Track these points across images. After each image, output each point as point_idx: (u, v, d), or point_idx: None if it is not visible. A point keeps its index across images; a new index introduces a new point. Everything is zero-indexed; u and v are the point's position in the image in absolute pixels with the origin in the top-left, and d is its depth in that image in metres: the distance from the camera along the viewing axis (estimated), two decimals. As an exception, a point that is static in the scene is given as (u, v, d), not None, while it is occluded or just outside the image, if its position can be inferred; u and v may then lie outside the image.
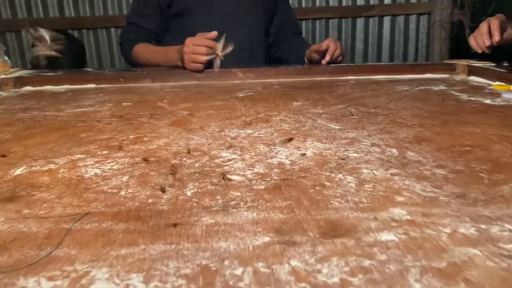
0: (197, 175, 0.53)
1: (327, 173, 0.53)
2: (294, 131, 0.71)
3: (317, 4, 2.25)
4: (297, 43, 1.49)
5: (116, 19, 2.16)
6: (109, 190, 0.49)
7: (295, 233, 0.39)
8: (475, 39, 1.22)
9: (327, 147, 0.63)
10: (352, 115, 0.81)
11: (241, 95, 1.03)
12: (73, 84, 1.19)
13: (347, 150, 0.62)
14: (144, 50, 1.35)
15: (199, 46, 1.17)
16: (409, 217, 0.42)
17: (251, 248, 0.37)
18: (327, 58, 1.25)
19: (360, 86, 1.12)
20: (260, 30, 1.46)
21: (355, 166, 0.55)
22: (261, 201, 0.45)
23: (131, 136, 0.70)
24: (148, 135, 0.71)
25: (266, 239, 0.38)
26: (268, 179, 0.51)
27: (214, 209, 0.43)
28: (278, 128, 0.74)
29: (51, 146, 0.66)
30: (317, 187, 0.49)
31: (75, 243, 0.38)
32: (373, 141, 0.65)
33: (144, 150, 0.63)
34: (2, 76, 1.16)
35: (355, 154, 0.60)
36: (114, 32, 2.18)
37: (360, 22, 2.29)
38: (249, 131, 0.72)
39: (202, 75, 1.22)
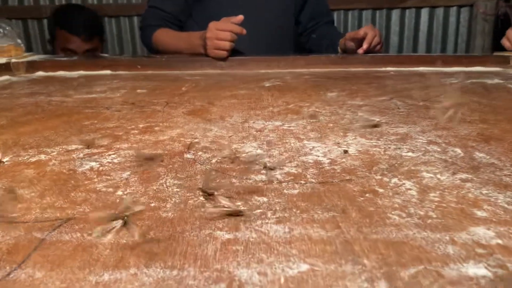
0: (214, 173, 0.43)
1: (378, 176, 0.42)
2: (331, 125, 0.60)
3: (350, -6, 2.11)
4: (330, 33, 1.37)
5: (139, 7, 2.08)
6: (103, 189, 0.39)
7: (344, 259, 0.28)
8: (509, 39, 1.10)
9: (374, 143, 0.52)
10: (399, 108, 0.69)
11: (267, 85, 0.92)
12: (87, 70, 1.11)
13: (399, 148, 0.50)
14: (165, 35, 1.25)
15: (224, 31, 1.07)
16: (499, 241, 0.30)
17: (282, 280, 0.26)
18: (365, 46, 1.13)
19: (403, 77, 1.00)
20: (288, 17, 1.34)
21: (412, 168, 0.44)
22: (294, 210, 0.35)
23: (141, 125, 0.61)
24: (161, 124, 0.61)
25: (304, 267, 0.27)
26: (303, 182, 0.40)
27: (232, 220, 0.33)
28: (311, 120, 0.63)
29: (47, 133, 0.57)
30: (367, 195, 0.38)
31: (45, 262, 0.28)
32: (429, 138, 0.54)
33: (153, 142, 0.54)
34: (14, 60, 1.09)
35: (410, 154, 0.48)
36: (137, 20, 2.11)
37: (395, 13, 2.14)
38: (277, 123, 0.61)
39: (226, 63, 1.12)
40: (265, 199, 0.37)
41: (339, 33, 1.38)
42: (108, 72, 1.10)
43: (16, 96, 0.82)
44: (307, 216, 0.34)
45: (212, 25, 1.09)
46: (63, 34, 1.58)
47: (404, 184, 0.40)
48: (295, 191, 0.38)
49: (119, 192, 0.39)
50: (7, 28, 1.14)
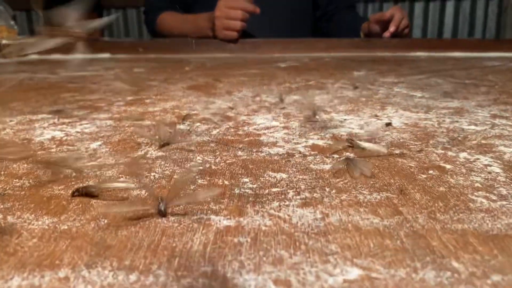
0: (212, 145, 0.32)
1: (440, 150, 0.30)
2: (363, 99, 0.49)
3: (370, -15, 2.00)
4: (351, 17, 1.25)
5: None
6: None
7: (419, 261, 0.16)
8: None
9: (423, 117, 0.40)
10: (442, 85, 0.58)
11: (283, 65, 0.81)
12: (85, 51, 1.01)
13: (457, 122, 0.38)
14: (170, 18, 1.15)
15: (235, 9, 0.96)
16: None
17: (319, 296, 0.15)
18: (391, 29, 1.01)
19: (437, 61, 0.88)
20: (307, 4, 1.23)
21: (483, 142, 0.32)
22: (327, 190, 0.23)
23: (129, 98, 0.50)
24: (153, 97, 0.50)
25: (354, 272, 0.16)
26: (337, 156, 0.29)
27: (235, 202, 0.22)
28: (338, 95, 0.51)
29: (15, 104, 0.47)
30: (430, 171, 0.26)
31: None
32: (491, 112, 0.42)
33: (140, 112, 0.43)
34: (4, 42, 1.00)
35: (473, 127, 0.36)
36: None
37: (418, 6, 2.02)
38: (296, 97, 0.50)
39: (236, 46, 1.01)
40: (283, 175, 0.26)
41: (361, 17, 1.26)
42: (107, 55, 1.00)
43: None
44: (347, 198, 0.22)
45: (222, 2, 0.99)
46: (59, 12, 1.53)
47: (479, 159, 0.28)
48: (326, 166, 0.27)
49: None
50: (0, 9, 1.05)
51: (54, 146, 0.32)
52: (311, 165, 0.27)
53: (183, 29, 1.13)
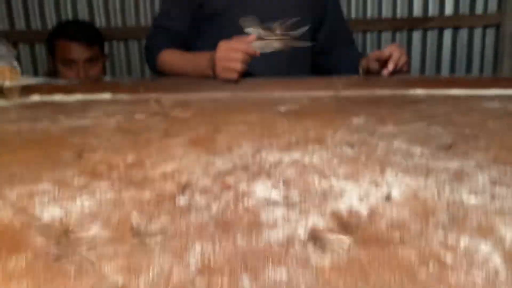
0: (211, 229, 0.32)
1: (440, 233, 0.30)
2: (363, 157, 0.49)
3: (369, 14, 2.03)
4: (350, 53, 1.27)
5: (148, 30, 2.02)
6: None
7: None
8: None
9: (422, 184, 0.40)
10: (442, 136, 0.58)
11: (283, 109, 0.81)
12: (86, 93, 1.02)
13: (456, 191, 0.38)
14: (170, 57, 1.17)
15: (235, 51, 0.98)
16: None
17: None
18: (390, 68, 1.02)
19: (436, 101, 0.88)
20: (304, 35, 1.25)
21: (483, 221, 0.32)
22: (327, 293, 0.23)
23: (130, 157, 0.50)
24: (154, 156, 0.51)
25: None
26: (335, 247, 0.29)
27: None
28: (338, 151, 0.51)
29: (15, 169, 0.47)
30: (431, 265, 0.26)
31: None
32: (491, 176, 0.42)
33: (140, 179, 0.43)
34: (7, 84, 1.01)
35: (473, 198, 0.36)
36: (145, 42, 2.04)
37: (416, 35, 2.04)
38: (296, 155, 0.50)
39: (236, 86, 1.02)
40: (284, 271, 0.25)
41: (360, 53, 1.28)
42: (108, 96, 1.00)
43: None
44: (347, 306, 0.22)
45: (223, 44, 1.00)
46: (62, 44, 1.57)
47: (479, 246, 0.28)
48: (326, 261, 0.27)
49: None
50: (3, 49, 1.06)
51: (54, 234, 0.32)
52: (312, 261, 0.27)
53: (184, 67, 1.14)
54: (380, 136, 0.59)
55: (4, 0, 1.98)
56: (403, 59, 1.04)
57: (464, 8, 2.01)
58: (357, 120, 0.69)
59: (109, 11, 2.01)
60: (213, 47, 1.07)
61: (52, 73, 1.65)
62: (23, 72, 1.13)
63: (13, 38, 2.00)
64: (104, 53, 1.69)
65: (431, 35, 2.05)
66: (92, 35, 1.62)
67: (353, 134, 0.59)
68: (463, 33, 2.04)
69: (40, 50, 2.02)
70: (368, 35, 2.06)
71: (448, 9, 2.01)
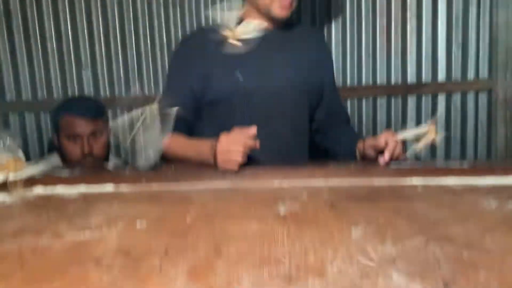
0: None
1: None
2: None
3: (364, 81, 2.09)
4: (346, 134, 1.30)
5: (151, 99, 2.06)
6: None
7: None
8: None
9: None
10: (439, 262, 0.58)
11: (282, 211, 0.82)
12: (88, 183, 1.03)
13: None
14: (174, 143, 1.19)
15: (236, 144, 1.00)
16: None
17: None
18: (386, 157, 1.05)
19: (433, 197, 0.89)
20: (303, 120, 1.28)
21: None
22: None
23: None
24: (155, 298, 0.51)
25: None
26: None
27: None
28: (336, 286, 0.52)
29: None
30: None
31: None
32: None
33: None
34: (11, 178, 1.02)
35: None
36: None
37: (411, 100, 2.09)
38: (296, 296, 0.50)
39: (237, 176, 1.04)
40: None
41: (355, 134, 1.32)
42: (110, 188, 1.02)
43: (1, 234, 0.74)
44: None
45: (224, 138, 1.03)
46: (66, 119, 1.62)
47: None
48: None
49: None
50: (8, 141, 1.09)
51: None
52: None
53: (186, 154, 1.17)
54: (379, 262, 0.59)
55: (12, 72, 2.04)
56: (398, 149, 1.07)
57: (456, 74, 2.07)
58: (356, 234, 0.70)
59: (114, 80, 2.07)
60: (215, 131, 1.11)
61: (57, 150, 1.68)
62: (28, 156, 1.15)
63: (19, 108, 2.06)
64: (108, 126, 1.73)
65: (426, 100, 2.10)
66: (95, 109, 1.67)
67: (353, 260, 0.60)
68: (456, 98, 2.09)
69: (45, 118, 2.07)
70: (364, 101, 2.11)
71: (441, 75, 2.07)
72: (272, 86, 1.22)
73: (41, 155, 2.05)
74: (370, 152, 1.11)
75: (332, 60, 1.41)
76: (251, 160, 1.09)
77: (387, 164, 1.06)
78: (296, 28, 1.30)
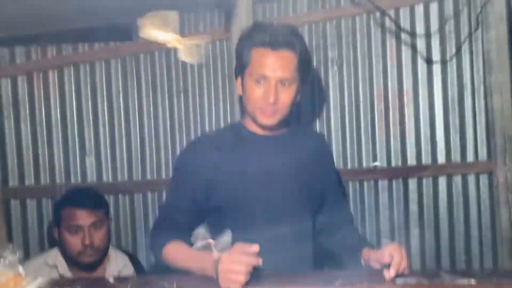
0: None
1: None
2: None
3: (364, 164, 2.11)
4: (351, 237, 1.29)
5: (154, 183, 2.10)
6: None
7: None
8: None
9: None
10: None
11: None
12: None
13: None
14: (175, 252, 1.18)
15: (238, 264, 1.00)
16: None
17: None
18: (392, 273, 1.04)
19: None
20: (307, 227, 1.28)
21: None
22: None
23: None
24: None
25: None
26: None
27: None
28: None
29: None
30: None
31: None
32: None
33: None
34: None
35: None
36: (151, 196, 2.10)
37: (412, 183, 2.10)
38: None
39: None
40: None
41: (360, 238, 1.31)
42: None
43: None
44: None
45: (226, 257, 1.02)
46: (67, 211, 1.63)
47: None
48: None
49: None
50: (9, 257, 1.08)
51: None
52: None
53: (187, 265, 1.16)
54: None
55: (16, 157, 2.07)
56: (404, 264, 1.06)
57: (455, 157, 2.10)
58: None
59: (117, 166, 2.09)
60: (218, 236, 1.10)
61: (57, 244, 1.67)
62: (28, 245, 1.14)
63: (22, 195, 2.06)
64: (108, 216, 1.74)
65: (427, 182, 2.11)
66: (95, 200, 1.69)
67: None
68: (457, 180, 2.10)
69: (47, 205, 2.07)
70: (365, 184, 2.12)
71: (441, 158, 2.10)
72: (274, 196, 1.23)
73: (41, 244, 2.04)
74: (376, 265, 1.10)
75: (333, 162, 1.43)
76: (254, 269, 1.08)
77: (393, 279, 1.04)
78: (296, 133, 1.34)
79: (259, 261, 1.01)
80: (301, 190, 1.26)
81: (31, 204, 2.08)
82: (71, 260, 1.65)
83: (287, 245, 1.22)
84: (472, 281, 1.02)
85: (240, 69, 1.25)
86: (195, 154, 1.26)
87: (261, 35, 1.20)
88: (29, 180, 2.09)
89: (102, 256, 1.68)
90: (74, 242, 1.63)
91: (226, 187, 1.22)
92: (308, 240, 1.28)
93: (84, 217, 1.63)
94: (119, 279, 1.21)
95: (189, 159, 1.27)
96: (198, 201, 1.25)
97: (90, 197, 1.69)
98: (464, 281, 1.02)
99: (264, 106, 1.19)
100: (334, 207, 1.35)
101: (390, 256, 1.05)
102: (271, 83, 1.18)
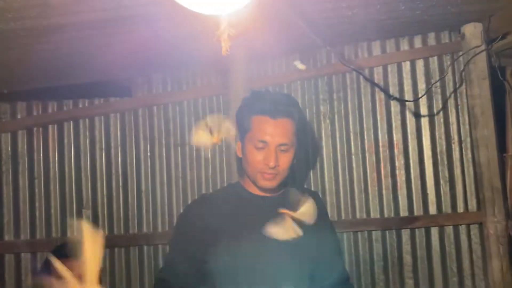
0: None
1: None
2: None
3: (358, 216, 2.15)
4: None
5: (150, 236, 2.11)
6: None
7: None
8: None
9: None
10: None
11: None
12: None
13: None
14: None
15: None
16: None
17: None
18: None
19: None
20: (305, 285, 1.31)
21: None
22: None
23: None
24: None
25: None
26: None
27: None
28: None
29: None
30: None
31: None
32: None
33: None
34: None
35: None
36: (146, 249, 2.11)
37: (405, 233, 2.14)
38: None
39: None
40: None
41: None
42: None
43: None
44: None
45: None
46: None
47: None
48: None
49: None
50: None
51: None
52: None
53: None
54: None
55: (12, 212, 2.08)
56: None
57: (446, 208, 2.14)
58: None
59: (113, 219, 2.11)
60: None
61: None
62: None
63: (17, 249, 2.06)
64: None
65: (419, 233, 2.14)
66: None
67: None
68: (449, 231, 2.14)
69: (42, 259, 2.06)
70: (359, 234, 2.15)
71: (432, 209, 2.14)
72: (271, 261, 1.26)
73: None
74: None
75: (328, 219, 1.48)
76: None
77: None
78: (292, 195, 1.38)
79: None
80: (299, 251, 1.29)
81: (25, 258, 2.08)
82: None
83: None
84: None
85: (241, 134, 1.31)
86: (194, 216, 1.30)
87: (261, 103, 1.27)
88: (25, 234, 2.09)
89: None
90: None
91: (225, 251, 1.25)
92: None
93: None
94: None
95: (188, 222, 1.31)
96: (197, 263, 1.27)
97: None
98: None
99: (265, 169, 1.25)
100: (330, 266, 1.38)
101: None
102: (271, 149, 1.25)
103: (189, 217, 1.32)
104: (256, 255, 1.26)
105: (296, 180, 2.07)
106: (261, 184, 1.28)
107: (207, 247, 1.26)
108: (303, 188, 1.96)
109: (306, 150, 2.15)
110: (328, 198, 2.13)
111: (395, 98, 2.05)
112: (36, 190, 2.10)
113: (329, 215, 1.58)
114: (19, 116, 2.12)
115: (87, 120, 2.14)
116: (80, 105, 2.15)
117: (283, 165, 1.27)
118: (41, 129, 2.11)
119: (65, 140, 2.13)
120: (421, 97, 2.09)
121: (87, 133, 2.14)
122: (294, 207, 1.25)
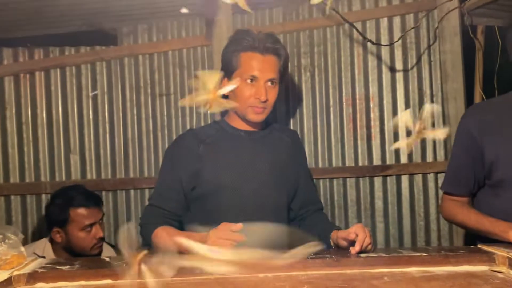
0: None
1: None
2: None
3: (334, 164, 2.28)
4: (320, 222, 1.45)
5: (137, 181, 2.20)
6: None
7: None
8: None
9: None
10: None
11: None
12: (87, 280, 1.12)
13: None
14: (164, 236, 1.29)
15: (224, 240, 1.13)
16: None
17: None
18: (357, 248, 1.19)
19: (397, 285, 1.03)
20: (283, 212, 1.43)
21: None
22: None
23: None
24: None
25: None
26: None
27: None
28: None
29: None
30: None
31: None
32: None
33: None
34: (15, 273, 1.10)
35: None
36: (133, 193, 2.20)
37: (377, 181, 2.29)
38: None
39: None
40: None
41: (329, 222, 1.47)
42: (109, 282, 1.11)
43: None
44: None
45: (213, 233, 1.15)
46: (79, 212, 1.72)
47: None
48: None
49: None
50: (12, 237, 1.18)
51: None
52: None
53: (176, 246, 1.28)
54: None
55: (1, 156, 2.13)
56: (368, 241, 1.22)
57: (416, 157, 2.29)
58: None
59: (101, 164, 2.19)
60: (201, 221, 1.23)
61: (64, 242, 1.75)
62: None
63: (7, 191, 2.13)
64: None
65: (391, 181, 2.30)
66: (98, 198, 1.80)
67: None
68: (418, 179, 2.30)
69: (31, 201, 2.13)
70: (335, 181, 2.29)
71: (403, 158, 2.29)
72: (254, 186, 1.37)
73: (25, 238, 2.09)
74: (343, 243, 1.25)
75: (305, 156, 1.59)
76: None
77: (358, 253, 1.20)
78: (274, 129, 1.49)
79: (243, 238, 1.15)
80: (278, 180, 1.41)
81: (15, 200, 2.14)
82: (80, 255, 1.73)
83: (266, 229, 1.36)
84: (424, 253, 1.20)
85: (227, 71, 1.39)
86: (182, 146, 1.39)
87: (249, 41, 1.35)
88: (14, 178, 2.15)
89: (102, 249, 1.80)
90: (89, 238, 1.73)
91: (210, 176, 1.35)
92: (284, 224, 1.43)
93: (96, 214, 1.76)
94: (114, 258, 1.31)
95: (177, 151, 1.40)
96: (184, 190, 1.37)
97: (95, 196, 1.81)
98: (417, 254, 1.20)
99: (255, 103, 1.35)
100: (306, 197, 1.50)
101: (355, 234, 1.21)
102: (260, 83, 1.34)
103: (178, 147, 1.41)
104: (240, 181, 1.37)
105: (278, 120, 2.18)
106: (251, 117, 1.37)
107: (194, 174, 1.36)
108: (285, 127, 2.08)
109: (287, 100, 2.25)
110: (306, 147, 2.24)
111: (369, 41, 2.15)
112: (24, 135, 2.15)
113: (307, 163, 1.68)
114: (5, 62, 2.14)
115: (73, 68, 2.18)
116: (67, 53, 2.18)
117: (271, 99, 1.36)
118: (28, 75, 2.15)
119: (52, 87, 2.17)
120: (396, 41, 2.20)
121: (74, 81, 2.18)
122: None
